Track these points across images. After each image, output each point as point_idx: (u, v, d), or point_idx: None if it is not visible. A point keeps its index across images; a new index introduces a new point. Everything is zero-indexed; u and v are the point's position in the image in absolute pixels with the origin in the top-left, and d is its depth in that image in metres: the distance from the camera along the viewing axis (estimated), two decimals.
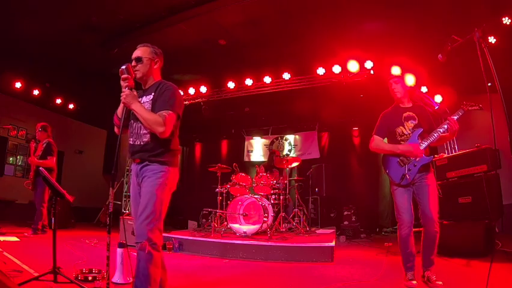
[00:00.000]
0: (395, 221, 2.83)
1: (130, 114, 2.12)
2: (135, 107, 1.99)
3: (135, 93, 2.07)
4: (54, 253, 2.44)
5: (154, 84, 2.17)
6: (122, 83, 2.04)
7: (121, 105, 2.10)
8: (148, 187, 1.97)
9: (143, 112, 1.98)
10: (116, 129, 2.20)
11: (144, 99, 2.13)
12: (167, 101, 2.03)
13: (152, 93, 2.11)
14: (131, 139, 2.13)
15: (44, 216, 5.08)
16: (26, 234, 4.84)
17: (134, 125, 2.11)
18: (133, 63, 2.13)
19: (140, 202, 1.97)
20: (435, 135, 2.67)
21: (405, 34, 5.41)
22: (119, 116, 2.12)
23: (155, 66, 2.20)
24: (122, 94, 2.01)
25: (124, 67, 2.05)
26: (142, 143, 2.06)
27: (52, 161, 5.16)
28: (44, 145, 5.23)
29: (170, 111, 2.00)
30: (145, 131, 2.06)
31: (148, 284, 1.82)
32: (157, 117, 1.97)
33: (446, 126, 2.64)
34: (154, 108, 2.04)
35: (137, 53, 2.17)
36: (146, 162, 2.03)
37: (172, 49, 6.03)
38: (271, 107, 8.12)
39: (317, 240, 4.46)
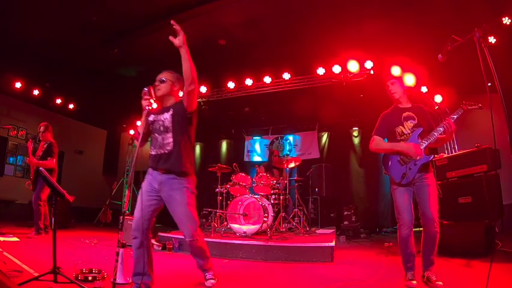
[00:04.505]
0: (395, 221, 2.83)
1: (150, 130, 2.50)
2: (185, 52, 2.36)
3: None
4: (54, 253, 2.43)
5: (174, 103, 2.54)
6: (143, 102, 2.37)
7: (142, 122, 2.45)
8: (184, 199, 2.42)
9: (189, 56, 2.36)
10: (136, 143, 2.50)
11: (164, 115, 2.48)
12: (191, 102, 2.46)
13: (171, 110, 2.48)
14: (155, 150, 2.48)
15: (43, 215, 5.01)
16: (29, 235, 4.80)
17: (158, 137, 2.47)
18: (157, 83, 2.50)
19: (175, 209, 2.43)
20: (435, 134, 2.68)
21: (405, 34, 5.41)
22: (140, 131, 2.46)
23: (175, 88, 2.57)
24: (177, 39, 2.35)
25: (146, 89, 2.40)
26: (166, 151, 2.43)
27: (52, 162, 5.06)
28: (46, 146, 5.14)
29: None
30: (168, 141, 2.43)
31: (206, 258, 2.67)
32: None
33: (442, 128, 2.65)
34: (177, 119, 2.44)
35: (161, 75, 2.54)
36: (174, 176, 2.41)
37: (172, 49, 6.04)
38: (271, 107, 8.13)
39: (317, 240, 4.45)
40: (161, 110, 2.54)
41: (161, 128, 2.47)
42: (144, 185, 2.47)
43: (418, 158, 2.65)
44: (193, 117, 2.52)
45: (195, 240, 2.50)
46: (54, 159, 5.15)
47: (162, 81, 2.51)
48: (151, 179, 2.46)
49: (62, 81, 7.69)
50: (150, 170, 2.50)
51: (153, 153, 2.48)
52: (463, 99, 2.74)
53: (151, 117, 2.51)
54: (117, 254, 2.08)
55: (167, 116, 2.48)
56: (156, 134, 2.50)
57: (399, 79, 3.05)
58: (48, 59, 6.79)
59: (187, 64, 2.35)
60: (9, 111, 7.74)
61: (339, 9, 5.09)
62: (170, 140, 2.42)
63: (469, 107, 2.70)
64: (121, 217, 2.18)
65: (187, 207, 2.43)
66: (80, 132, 9.65)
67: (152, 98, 2.39)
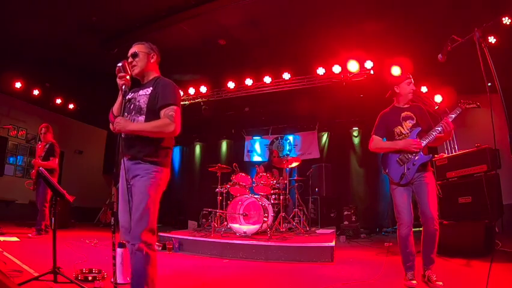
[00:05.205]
0: (395, 221, 2.83)
1: (124, 108, 2.08)
2: (133, 127, 1.98)
3: (127, 116, 2.06)
4: (55, 253, 2.44)
5: (152, 79, 2.16)
6: (118, 81, 2.03)
7: (117, 102, 2.10)
8: (142, 187, 1.92)
9: (145, 127, 1.97)
10: (111, 126, 2.15)
11: (141, 92, 2.11)
12: (170, 95, 2.02)
13: (150, 88, 2.08)
14: (124, 133, 2.05)
15: (47, 217, 5.06)
16: (29, 235, 4.82)
17: (127, 117, 2.06)
18: (130, 59, 2.14)
19: (132, 200, 1.94)
20: (433, 134, 2.69)
21: (405, 34, 5.41)
22: (116, 113, 2.09)
23: (152, 61, 2.20)
24: (114, 124, 1.97)
25: (120, 64, 2.03)
26: (134, 135, 2.01)
27: (54, 162, 5.19)
28: (47, 146, 5.24)
29: (174, 106, 1.99)
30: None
31: (145, 284, 1.82)
32: (164, 120, 1.96)
33: (440, 128, 2.66)
34: (154, 102, 2.02)
35: (133, 49, 2.18)
36: (139, 161, 1.98)
37: (172, 49, 6.04)
38: (271, 107, 8.12)
39: (317, 240, 4.45)
40: (138, 87, 2.18)
41: (132, 107, 2.08)
42: (120, 182, 2.08)
43: (417, 157, 2.65)
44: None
45: (136, 247, 1.83)
46: (56, 160, 5.25)
47: (135, 56, 2.14)
48: (122, 167, 2.05)
49: (62, 81, 7.69)
50: (124, 158, 2.07)
51: (123, 136, 2.03)
52: (461, 99, 2.74)
53: (129, 95, 2.12)
54: (114, 257, 1.96)
55: (142, 94, 2.09)
56: (126, 113, 2.08)
57: None
58: (48, 59, 6.79)
59: (146, 134, 1.97)
60: (9, 111, 7.74)
61: (339, 9, 5.09)
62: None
63: (467, 106, 2.71)
64: (113, 218, 1.95)
65: (144, 198, 1.89)
66: (80, 132, 9.66)
67: (128, 74, 2.05)
